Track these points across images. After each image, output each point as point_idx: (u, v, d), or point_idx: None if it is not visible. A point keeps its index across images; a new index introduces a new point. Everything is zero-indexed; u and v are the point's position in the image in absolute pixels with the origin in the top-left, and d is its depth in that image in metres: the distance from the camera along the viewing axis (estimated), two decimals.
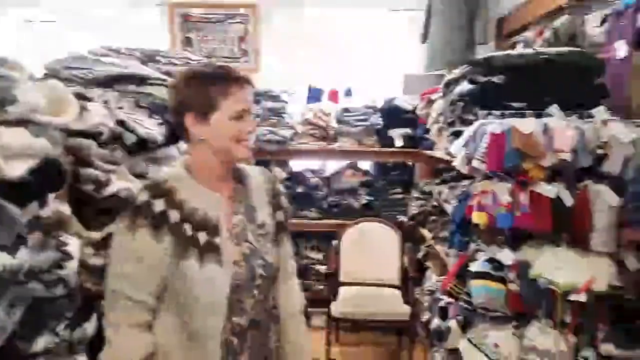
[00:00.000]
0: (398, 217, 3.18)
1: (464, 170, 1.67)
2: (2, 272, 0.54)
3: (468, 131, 1.62)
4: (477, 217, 1.49)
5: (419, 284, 2.77)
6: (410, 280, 2.74)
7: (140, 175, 1.19)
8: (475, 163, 1.49)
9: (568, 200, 1.40)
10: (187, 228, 0.97)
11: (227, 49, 3.95)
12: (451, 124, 2.18)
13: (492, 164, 1.44)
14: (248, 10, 3.89)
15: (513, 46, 2.99)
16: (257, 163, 3.29)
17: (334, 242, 3.00)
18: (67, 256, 0.78)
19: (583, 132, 1.38)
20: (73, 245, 0.82)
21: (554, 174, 1.45)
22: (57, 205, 0.78)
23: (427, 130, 2.84)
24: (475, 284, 1.48)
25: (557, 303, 1.40)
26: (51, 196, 0.75)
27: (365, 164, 3.49)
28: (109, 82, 1.35)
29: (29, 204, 0.70)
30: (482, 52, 3.14)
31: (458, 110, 2.10)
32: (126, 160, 1.12)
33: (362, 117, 3.19)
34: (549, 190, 1.40)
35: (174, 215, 0.96)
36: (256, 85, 3.12)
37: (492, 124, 1.49)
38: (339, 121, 3.20)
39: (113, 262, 0.94)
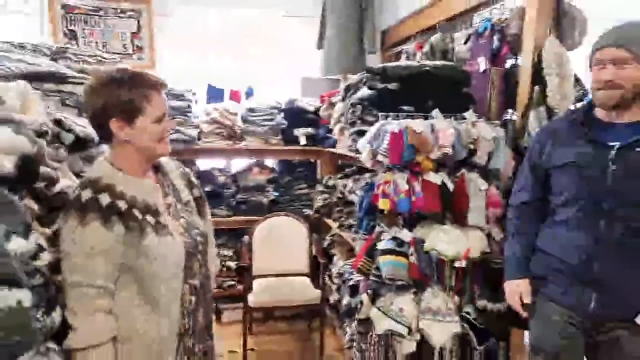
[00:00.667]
0: (304, 210, 3.41)
1: (369, 164, 1.94)
2: (22, 255, 0.60)
3: (371, 130, 1.90)
4: (382, 204, 1.77)
5: (326, 270, 3.04)
6: (319, 267, 2.98)
7: (77, 174, 1.21)
8: (379, 157, 1.77)
9: (450, 186, 1.75)
10: (136, 212, 1.08)
11: (119, 44, 3.77)
12: (352, 124, 2.46)
13: (393, 157, 1.73)
14: (141, 6, 3.76)
15: (397, 56, 3.44)
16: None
17: (245, 238, 3.10)
18: (41, 247, 0.82)
19: (459, 131, 1.74)
20: (41, 239, 0.85)
21: (439, 165, 1.80)
22: (26, 201, 0.82)
23: (330, 130, 3.12)
24: (383, 259, 1.76)
25: (445, 270, 1.75)
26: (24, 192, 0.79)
27: (270, 162, 3.66)
28: (23, 79, 1.31)
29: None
30: (371, 59, 3.54)
31: (358, 112, 2.39)
32: (65, 159, 1.14)
33: (267, 117, 3.34)
34: (436, 178, 1.74)
35: (122, 205, 1.06)
36: None
37: (391, 124, 1.78)
38: (245, 120, 3.31)
39: (68, 256, 0.99)
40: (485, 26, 2.15)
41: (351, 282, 2.27)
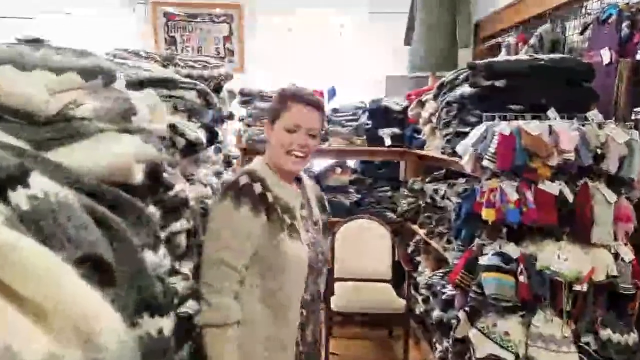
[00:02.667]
0: (386, 213, 3.30)
1: (469, 168, 1.79)
2: (151, 270, 0.58)
3: (475, 132, 1.74)
4: (487, 214, 1.62)
5: (411, 279, 2.91)
6: (400, 273, 2.86)
7: (187, 177, 1.22)
8: (485, 162, 1.62)
9: (569, 197, 1.55)
10: (278, 208, 1.15)
11: (212, 48, 3.94)
12: (447, 125, 2.31)
13: (502, 162, 1.57)
14: (232, 11, 3.89)
15: (492, 50, 3.20)
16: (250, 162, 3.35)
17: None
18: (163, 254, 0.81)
19: (584, 134, 1.53)
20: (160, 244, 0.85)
21: (555, 173, 1.61)
22: (151, 208, 0.82)
23: (417, 130, 2.97)
24: (486, 276, 1.61)
25: (561, 292, 1.55)
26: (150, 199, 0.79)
27: (352, 163, 3.59)
28: (138, 85, 1.36)
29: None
30: (462, 55, 3.33)
31: (454, 111, 2.23)
32: (179, 164, 1.16)
33: (351, 117, 3.28)
34: (553, 187, 1.55)
35: (270, 197, 1.15)
36: (241, 86, 3.18)
37: (500, 126, 1.62)
38: (329, 121, 3.28)
39: (216, 233, 1.13)
40: (610, 12, 1.89)
41: (444, 296, 2.13)
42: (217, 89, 1.73)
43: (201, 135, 1.23)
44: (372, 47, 3.74)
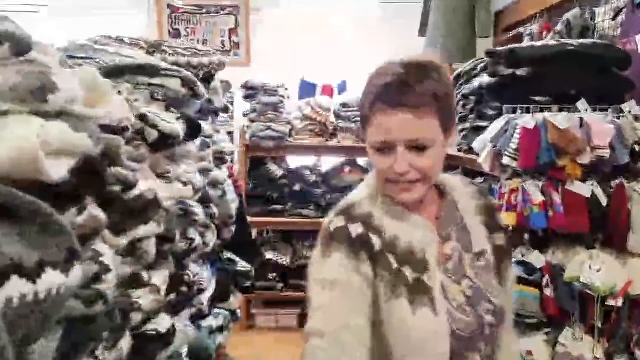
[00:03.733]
0: None
1: (487, 167, 1.61)
2: (55, 295, 0.43)
3: (494, 126, 1.57)
4: (507, 217, 1.44)
5: None
6: None
7: (160, 175, 1.08)
8: (505, 159, 1.44)
9: (603, 200, 1.36)
10: (392, 259, 0.78)
11: (218, 41, 3.81)
12: (463, 119, 2.13)
13: (526, 160, 1.39)
14: (239, 2, 3.76)
15: (513, 40, 2.99)
16: (254, 160, 3.23)
17: None
18: (105, 268, 0.67)
19: (620, 128, 1.35)
20: (108, 255, 0.71)
21: (587, 172, 1.42)
22: (92, 211, 0.67)
23: None
24: None
25: (592, 308, 1.36)
26: (89, 200, 0.64)
27: (364, 161, 3.42)
28: (116, 72, 1.23)
29: (68, 211, 0.59)
30: (481, 46, 3.12)
31: (471, 104, 2.05)
32: (148, 158, 1.01)
33: None
34: (584, 188, 1.36)
35: (376, 242, 0.79)
36: (248, 79, 3.04)
37: (523, 119, 1.44)
38: (337, 116, 3.12)
39: (309, 294, 0.80)
40: None
41: None
42: (208, 79, 1.59)
43: (178, 128, 1.09)
44: (384, 39, 3.56)
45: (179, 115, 1.17)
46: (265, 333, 3.14)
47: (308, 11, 3.62)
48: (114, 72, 1.21)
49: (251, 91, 3.02)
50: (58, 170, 0.54)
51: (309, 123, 3.07)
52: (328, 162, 3.39)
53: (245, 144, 3.03)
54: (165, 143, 1.06)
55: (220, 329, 1.61)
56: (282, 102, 3.01)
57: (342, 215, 0.82)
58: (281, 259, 3.14)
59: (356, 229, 0.79)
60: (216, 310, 1.63)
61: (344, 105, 3.11)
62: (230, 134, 3.45)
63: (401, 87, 0.76)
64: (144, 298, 0.91)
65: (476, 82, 1.90)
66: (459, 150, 2.15)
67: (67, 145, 0.56)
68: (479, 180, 2.22)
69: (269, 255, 3.13)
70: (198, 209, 1.21)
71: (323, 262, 0.79)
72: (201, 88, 1.34)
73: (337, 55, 3.57)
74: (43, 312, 0.43)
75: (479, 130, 1.82)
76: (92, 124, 0.62)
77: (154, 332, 0.95)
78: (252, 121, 2.98)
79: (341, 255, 0.77)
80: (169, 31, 3.82)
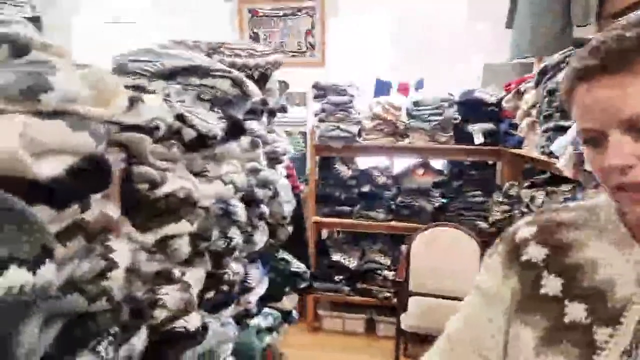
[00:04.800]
0: (477, 223, 2.90)
1: (569, 172, 1.40)
2: (19, 292, 0.43)
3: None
4: None
5: None
6: None
7: (198, 173, 1.10)
8: (587, 165, 1.22)
9: None
10: (579, 313, 0.59)
11: (294, 43, 3.88)
12: (547, 118, 1.89)
13: None
14: (315, 3, 3.78)
15: None
16: (323, 160, 3.22)
17: (403, 247, 2.78)
18: (112, 264, 0.68)
19: None
20: (120, 251, 0.72)
21: None
22: (102, 207, 0.69)
23: (514, 125, 2.53)
24: None
25: None
26: (96, 197, 0.66)
27: (438, 163, 3.23)
28: (173, 74, 1.28)
29: (68, 207, 0.60)
30: (581, 35, 2.76)
31: (557, 101, 1.81)
32: (184, 158, 1.03)
33: (435, 111, 2.93)
34: None
35: (555, 285, 0.62)
36: (318, 80, 3.04)
37: None
38: (410, 115, 2.98)
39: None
40: None
41: None
42: (263, 78, 1.60)
43: (216, 127, 1.09)
44: (467, 32, 3.33)
45: (221, 115, 1.18)
46: (332, 336, 3.12)
47: (387, 7, 3.52)
48: (168, 74, 1.26)
49: (321, 91, 3.01)
50: (49, 168, 0.55)
51: (379, 122, 2.98)
52: (401, 164, 3.27)
53: (314, 145, 3.03)
54: (203, 142, 1.07)
55: (270, 329, 1.61)
56: (351, 101, 2.96)
57: (534, 224, 0.67)
58: (348, 261, 3.09)
59: (536, 251, 0.65)
60: (266, 310, 1.63)
61: (417, 103, 2.96)
62: (303, 134, 3.51)
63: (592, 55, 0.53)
64: (171, 295, 0.93)
65: (562, 75, 1.66)
66: (542, 153, 1.91)
67: (63, 144, 0.58)
68: (566, 187, 1.96)
69: (336, 256, 3.10)
70: (239, 209, 1.21)
71: (485, 260, 0.72)
72: (251, 88, 1.34)
73: (417, 51, 3.43)
74: (2, 310, 0.43)
75: (562, 130, 1.59)
76: (95, 123, 0.63)
77: (183, 330, 0.96)
78: (321, 121, 2.97)
79: (498, 259, 0.69)
80: (250, 35, 3.97)
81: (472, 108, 2.89)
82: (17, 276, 0.44)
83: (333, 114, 2.90)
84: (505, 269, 0.67)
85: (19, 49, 0.54)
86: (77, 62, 0.68)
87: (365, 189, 3.04)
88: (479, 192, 2.97)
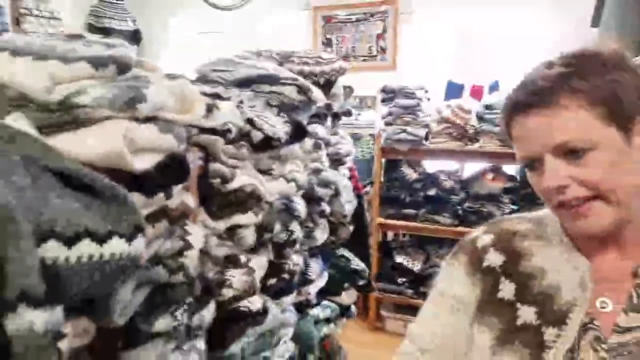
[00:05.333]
0: None
1: None
2: (118, 259, 0.56)
3: None
4: None
5: None
6: None
7: (264, 172, 1.22)
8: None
9: None
10: (529, 315, 0.66)
11: (365, 47, 3.96)
12: None
13: None
14: (388, 7, 3.82)
15: None
16: (389, 162, 3.26)
17: None
18: (188, 245, 0.81)
19: None
20: (195, 235, 0.85)
21: None
22: (182, 197, 0.83)
23: None
24: None
25: None
26: (177, 188, 0.79)
27: (510, 168, 3.11)
28: (247, 82, 1.42)
29: (156, 195, 0.74)
30: None
31: None
32: (252, 157, 1.16)
33: None
34: None
35: (508, 289, 0.69)
36: (387, 83, 3.08)
37: None
38: (480, 119, 2.91)
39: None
40: None
41: None
42: (328, 84, 1.70)
43: (280, 131, 1.21)
44: (548, 31, 3.17)
45: (286, 120, 1.30)
46: (393, 337, 3.14)
47: (459, 11, 3.47)
48: (243, 82, 1.41)
49: (389, 94, 3.05)
50: (142, 163, 0.69)
51: (447, 126, 2.95)
52: (472, 168, 3.19)
53: (380, 147, 3.07)
54: (269, 144, 1.19)
55: (327, 320, 1.70)
56: (419, 104, 2.96)
57: (490, 233, 0.76)
58: (412, 264, 3.09)
59: (494, 258, 0.73)
60: (325, 303, 1.73)
61: (488, 107, 2.88)
62: (372, 136, 3.56)
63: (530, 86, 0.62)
64: (237, 277, 1.06)
65: None
66: None
67: (153, 144, 0.71)
68: None
69: (399, 259, 3.12)
70: (299, 205, 1.31)
71: (446, 269, 0.78)
72: (315, 94, 1.45)
73: (490, 56, 3.34)
74: (106, 270, 0.56)
75: None
76: (179, 127, 0.76)
77: (246, 309, 1.08)
78: (388, 124, 3.01)
79: (463, 265, 0.76)
80: (322, 41, 4.12)
81: None
82: (118, 246, 0.58)
83: (400, 117, 2.93)
84: (470, 276, 0.72)
85: (123, 67, 0.69)
86: (167, 73, 0.82)
87: (432, 192, 3.02)
88: None
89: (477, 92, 3.32)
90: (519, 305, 0.67)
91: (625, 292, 0.62)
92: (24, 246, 0.42)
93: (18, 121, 0.61)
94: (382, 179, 3.17)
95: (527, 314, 0.66)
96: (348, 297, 1.87)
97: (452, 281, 0.75)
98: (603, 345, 0.61)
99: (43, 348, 0.41)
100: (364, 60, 3.96)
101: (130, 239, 0.60)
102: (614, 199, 0.60)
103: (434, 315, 0.77)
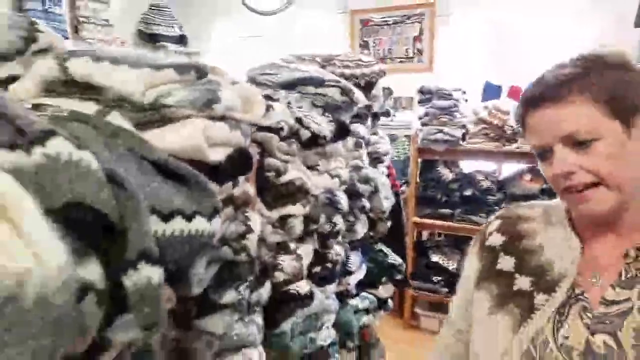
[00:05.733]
0: None
1: None
2: (201, 235, 0.67)
3: None
4: None
5: None
6: None
7: (310, 167, 1.32)
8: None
9: None
10: (523, 282, 0.76)
11: (402, 49, 4.00)
12: None
13: None
14: (424, 9, 3.86)
15: None
16: (425, 162, 3.29)
17: None
18: (250, 229, 0.92)
19: None
20: (254, 221, 0.96)
21: None
22: (245, 187, 0.93)
23: None
24: None
25: None
26: (241, 179, 0.90)
27: None
28: (292, 85, 1.53)
29: (225, 184, 0.85)
30: None
31: None
32: (300, 153, 1.26)
33: None
34: None
35: (508, 263, 0.79)
36: (424, 84, 3.11)
37: None
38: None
39: None
40: None
41: None
42: (369, 86, 1.78)
43: (326, 129, 1.30)
44: (587, 29, 3.12)
45: (330, 119, 1.39)
46: (428, 335, 3.17)
47: (495, 12, 3.46)
48: (289, 84, 1.52)
49: (426, 95, 3.09)
50: (216, 155, 0.80)
51: (484, 127, 2.96)
52: (510, 169, 3.18)
53: (417, 147, 3.12)
54: (315, 142, 1.29)
55: (366, 311, 1.78)
56: (456, 105, 2.99)
57: (498, 219, 0.88)
58: (447, 263, 3.12)
59: (496, 239, 0.84)
60: (364, 294, 1.81)
61: None
62: (408, 137, 3.61)
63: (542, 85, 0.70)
64: (287, 262, 1.16)
65: None
66: None
67: (224, 140, 0.82)
68: None
69: (435, 257, 3.15)
70: (342, 199, 1.40)
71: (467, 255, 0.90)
72: (357, 95, 1.54)
73: (528, 58, 3.31)
74: (191, 244, 0.67)
75: None
76: (245, 125, 0.87)
77: (295, 292, 1.18)
78: (425, 125, 3.05)
79: (474, 254, 0.88)
80: (360, 44, 4.20)
81: None
82: (201, 224, 0.68)
83: (437, 117, 2.97)
84: (476, 255, 0.85)
85: (201, 73, 0.80)
86: (231, 79, 0.93)
87: (468, 192, 3.04)
88: None
89: (515, 93, 3.29)
90: (517, 275, 0.77)
91: (617, 272, 0.70)
92: (141, 216, 0.53)
93: (116, 119, 0.73)
94: (417, 179, 3.21)
95: (523, 282, 0.76)
96: (385, 290, 1.94)
97: (467, 265, 0.87)
98: (588, 314, 0.69)
99: (157, 298, 0.52)
100: (401, 62, 4.01)
101: (210, 218, 0.70)
102: (615, 185, 0.67)
103: (459, 297, 0.90)
